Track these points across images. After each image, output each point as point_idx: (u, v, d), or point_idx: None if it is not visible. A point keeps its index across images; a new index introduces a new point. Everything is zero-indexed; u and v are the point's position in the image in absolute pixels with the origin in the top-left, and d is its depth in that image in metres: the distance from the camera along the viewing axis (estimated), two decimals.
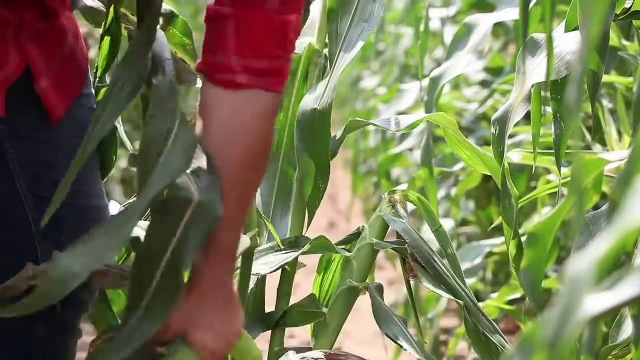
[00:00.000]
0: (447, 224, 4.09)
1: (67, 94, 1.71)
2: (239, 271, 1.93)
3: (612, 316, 1.78)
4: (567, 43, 1.89)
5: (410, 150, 4.68)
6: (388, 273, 5.76)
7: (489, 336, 1.88)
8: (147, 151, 1.49)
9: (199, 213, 1.49)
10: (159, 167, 1.47)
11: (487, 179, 3.64)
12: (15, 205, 1.68)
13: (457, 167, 3.55)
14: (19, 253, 1.69)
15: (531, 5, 2.31)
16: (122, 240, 1.49)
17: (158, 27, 1.61)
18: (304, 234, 2.05)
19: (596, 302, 0.93)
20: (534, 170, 2.13)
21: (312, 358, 1.86)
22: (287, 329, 2.05)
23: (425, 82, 2.83)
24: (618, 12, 1.94)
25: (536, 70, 1.89)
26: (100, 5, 1.90)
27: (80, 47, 1.76)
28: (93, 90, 1.81)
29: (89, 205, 1.76)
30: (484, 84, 4.43)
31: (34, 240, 1.68)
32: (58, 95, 1.69)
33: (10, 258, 1.68)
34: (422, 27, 3.36)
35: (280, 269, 1.99)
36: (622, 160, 1.63)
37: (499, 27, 3.95)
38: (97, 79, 1.88)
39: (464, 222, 4.48)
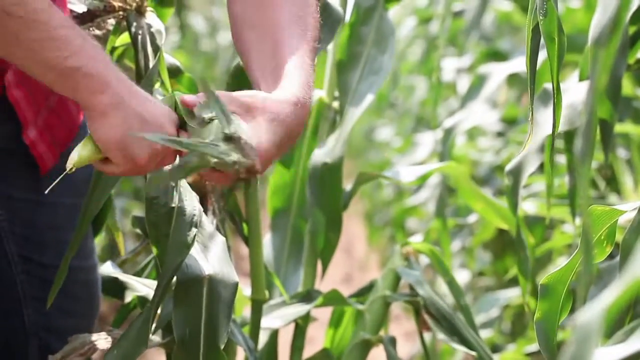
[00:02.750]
0: (463, 275, 4.06)
1: (56, 143, 1.66)
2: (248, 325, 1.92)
3: None
4: (580, 93, 1.88)
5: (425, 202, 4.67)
6: (405, 325, 5.72)
7: None
8: (156, 231, 1.51)
9: (215, 287, 1.52)
10: (171, 247, 1.49)
11: (503, 229, 3.62)
12: (2, 269, 1.65)
13: (472, 218, 3.53)
14: (5, 316, 1.66)
15: (544, 55, 2.32)
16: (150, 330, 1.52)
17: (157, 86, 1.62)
18: (317, 286, 2.04)
19: (606, 355, 0.91)
20: (548, 221, 2.12)
21: None
22: None
23: (439, 132, 2.83)
24: (631, 61, 1.93)
25: (548, 120, 1.88)
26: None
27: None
28: None
29: (77, 266, 1.70)
30: (499, 134, 4.43)
31: (21, 304, 1.65)
32: (47, 146, 1.64)
33: None
34: (435, 78, 3.36)
35: (293, 323, 1.98)
36: (636, 209, 1.62)
37: (513, 77, 3.95)
38: None
39: (480, 273, 4.45)
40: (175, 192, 1.55)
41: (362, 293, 2.01)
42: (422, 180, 2.04)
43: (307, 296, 1.97)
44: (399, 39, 5.41)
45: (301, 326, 2.01)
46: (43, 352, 1.68)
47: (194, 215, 1.53)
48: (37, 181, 1.64)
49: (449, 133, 2.74)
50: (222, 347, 1.51)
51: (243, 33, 1.51)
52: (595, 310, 0.75)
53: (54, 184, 1.45)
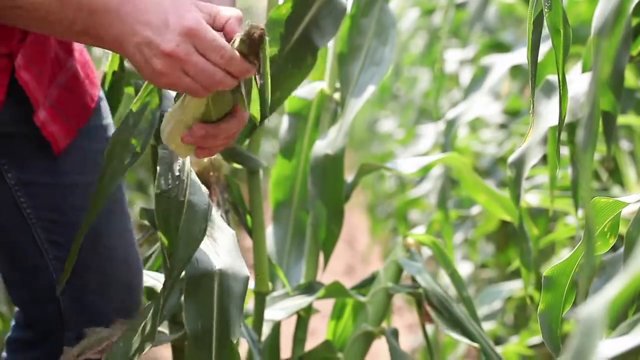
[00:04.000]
0: (466, 267, 4.06)
1: (69, 121, 1.64)
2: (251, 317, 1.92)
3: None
4: (583, 84, 1.88)
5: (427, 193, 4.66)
6: (407, 317, 5.72)
7: None
8: (166, 224, 1.50)
9: (226, 281, 1.52)
10: (181, 241, 1.49)
11: (506, 221, 3.62)
12: (34, 257, 1.65)
13: (475, 210, 3.52)
14: (41, 305, 1.67)
15: (547, 47, 2.31)
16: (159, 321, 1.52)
17: None
18: (319, 278, 2.03)
19: (610, 347, 0.91)
20: (551, 213, 2.11)
21: None
22: None
23: (442, 124, 2.82)
24: (634, 53, 1.93)
25: (551, 112, 1.88)
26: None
27: (88, 74, 1.70)
28: (108, 120, 1.72)
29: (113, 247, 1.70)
30: (502, 126, 4.42)
31: (55, 292, 1.65)
32: (59, 126, 1.62)
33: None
34: (437, 69, 3.36)
35: (295, 315, 1.98)
36: (639, 201, 1.61)
37: (516, 69, 3.94)
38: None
39: (483, 265, 4.45)
40: (185, 185, 1.54)
41: (364, 285, 2.01)
42: (424, 171, 2.04)
43: (309, 288, 1.97)
44: (402, 30, 5.40)
45: (303, 318, 2.01)
46: (80, 340, 1.68)
47: (205, 208, 1.53)
48: (52, 163, 1.63)
49: (451, 124, 2.73)
50: (235, 341, 1.51)
51: None
52: (599, 302, 0.74)
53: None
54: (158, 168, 1.53)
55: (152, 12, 1.33)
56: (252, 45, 1.32)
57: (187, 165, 1.56)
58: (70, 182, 1.65)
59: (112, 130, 1.71)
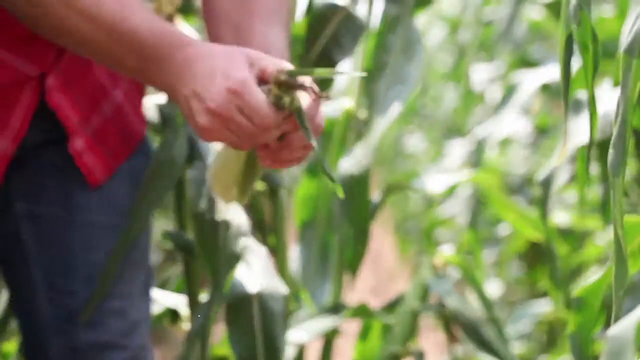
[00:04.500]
0: (496, 286, 4.03)
1: (110, 154, 1.53)
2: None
3: None
4: (612, 101, 1.85)
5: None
6: (434, 336, 5.69)
7: None
8: (204, 244, 1.50)
9: (265, 302, 1.52)
10: (221, 260, 1.48)
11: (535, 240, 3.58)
12: (26, 298, 1.54)
13: (504, 229, 3.50)
14: (32, 350, 1.55)
15: (576, 63, 2.28)
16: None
17: None
18: (344, 298, 2.02)
19: None
20: (580, 232, 2.09)
21: None
22: None
23: (469, 141, 2.80)
24: None
25: (580, 129, 1.85)
26: None
27: (135, 106, 1.59)
28: (142, 163, 1.59)
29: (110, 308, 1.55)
30: (532, 144, 4.39)
31: (46, 335, 1.52)
32: (98, 159, 1.52)
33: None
34: (464, 86, 3.34)
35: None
36: None
37: (545, 85, 3.92)
38: None
39: (513, 284, 4.41)
40: (219, 206, 1.53)
41: (391, 305, 2.00)
42: (451, 190, 2.02)
43: (335, 309, 1.95)
44: (427, 46, 5.38)
45: (329, 339, 1.99)
46: None
47: (242, 225, 1.53)
48: (70, 196, 1.53)
49: (479, 142, 2.71)
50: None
51: (219, 28, 1.45)
52: (629, 322, 0.73)
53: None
54: (189, 190, 1.52)
55: (202, 66, 1.29)
56: (284, 88, 1.30)
57: None
58: (87, 221, 1.53)
59: (142, 174, 1.59)
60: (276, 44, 1.41)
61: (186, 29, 1.64)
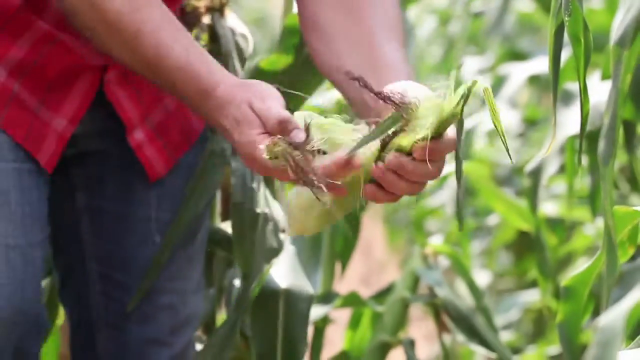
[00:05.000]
0: (484, 276, 4.05)
1: (169, 148, 1.52)
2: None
3: None
4: (602, 93, 1.87)
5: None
6: (424, 326, 5.70)
7: None
8: (241, 236, 1.49)
9: (291, 300, 1.51)
10: (257, 252, 1.48)
11: (524, 230, 3.60)
12: (81, 289, 1.54)
13: (493, 219, 3.51)
14: (81, 346, 1.56)
15: (565, 55, 2.30)
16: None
17: None
18: (335, 287, 2.03)
19: (629, 356, 0.90)
20: (568, 222, 2.10)
21: None
22: None
23: None
24: None
25: (569, 120, 1.87)
26: None
27: None
28: (197, 159, 1.57)
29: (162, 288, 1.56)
30: (521, 134, 4.40)
31: (96, 326, 1.53)
32: (157, 150, 1.50)
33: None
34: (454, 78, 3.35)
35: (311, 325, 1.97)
36: None
37: (533, 77, 3.93)
38: None
39: (501, 274, 4.43)
40: (259, 197, 1.53)
41: (381, 294, 2.01)
42: (442, 181, 2.03)
43: (326, 298, 1.96)
44: (418, 39, 5.39)
45: (320, 328, 2.00)
46: None
47: (279, 221, 1.52)
48: (129, 191, 1.52)
49: (469, 134, 2.72)
50: None
51: (334, 43, 1.38)
52: (617, 312, 0.74)
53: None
54: (232, 180, 1.51)
55: (226, 121, 1.26)
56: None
57: (260, 177, 1.54)
58: (145, 216, 1.53)
59: (193, 170, 1.57)
60: (403, 62, 1.35)
61: (239, 24, 1.62)
